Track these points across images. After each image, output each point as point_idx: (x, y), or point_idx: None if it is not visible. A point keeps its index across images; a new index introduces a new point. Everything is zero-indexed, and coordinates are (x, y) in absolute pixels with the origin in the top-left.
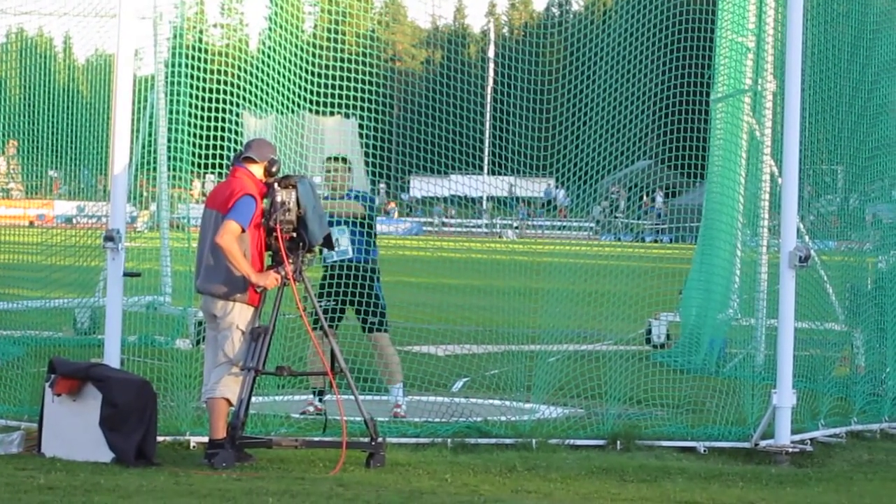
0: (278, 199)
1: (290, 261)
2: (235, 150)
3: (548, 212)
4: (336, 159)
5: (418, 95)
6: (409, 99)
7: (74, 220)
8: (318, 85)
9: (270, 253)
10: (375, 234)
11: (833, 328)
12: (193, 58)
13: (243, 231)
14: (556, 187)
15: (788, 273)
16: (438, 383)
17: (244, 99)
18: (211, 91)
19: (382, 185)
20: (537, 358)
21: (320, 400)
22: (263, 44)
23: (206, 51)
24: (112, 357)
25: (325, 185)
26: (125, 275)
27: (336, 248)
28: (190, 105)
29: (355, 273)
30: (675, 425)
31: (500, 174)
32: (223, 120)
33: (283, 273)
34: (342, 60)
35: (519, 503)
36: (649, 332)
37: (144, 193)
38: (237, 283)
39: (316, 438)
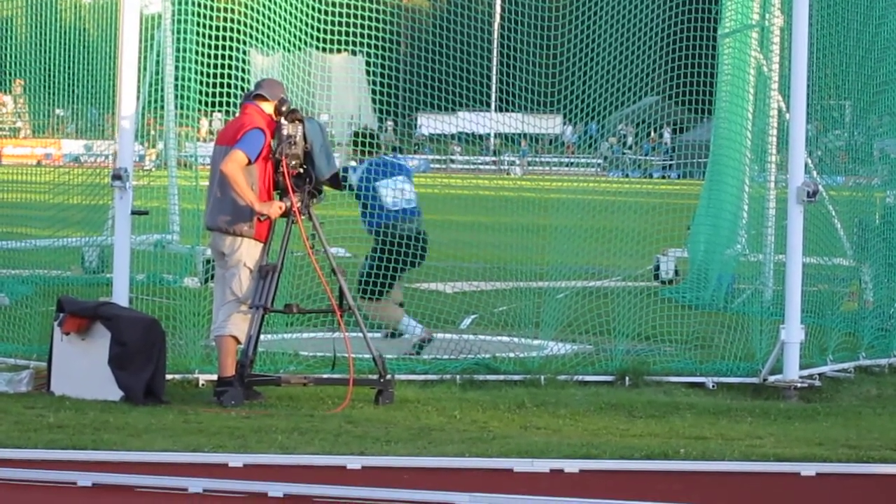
0: (285, 132)
1: (297, 195)
2: (243, 88)
3: (555, 148)
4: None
5: (425, 32)
6: (416, 36)
7: (82, 159)
8: (325, 22)
9: (278, 192)
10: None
11: (841, 263)
12: None
13: (250, 163)
14: (564, 123)
15: (796, 208)
16: (447, 320)
17: (251, 37)
18: (218, 29)
19: (390, 123)
20: (545, 294)
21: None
22: None
23: None
24: (121, 295)
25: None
26: (133, 213)
27: (402, 196)
28: (197, 43)
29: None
30: (684, 361)
31: (507, 110)
32: (230, 58)
33: (288, 204)
34: None
35: (528, 439)
36: (657, 267)
37: (152, 132)
38: (243, 214)
39: (325, 376)
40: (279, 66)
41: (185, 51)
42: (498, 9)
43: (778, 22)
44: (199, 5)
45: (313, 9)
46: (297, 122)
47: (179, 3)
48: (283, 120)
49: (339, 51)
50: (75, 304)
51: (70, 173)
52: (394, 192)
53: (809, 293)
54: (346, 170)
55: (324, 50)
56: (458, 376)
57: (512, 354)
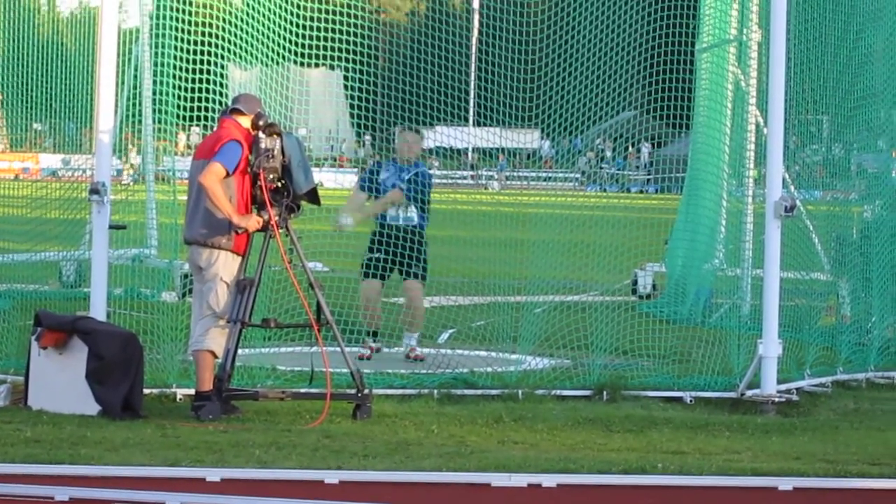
0: (262, 146)
1: (275, 209)
2: (221, 102)
3: (533, 163)
4: (413, 130)
5: (403, 47)
6: (394, 50)
7: (60, 173)
8: (303, 37)
9: (256, 205)
10: (429, 207)
11: (819, 278)
12: (178, 10)
13: (228, 175)
14: (542, 138)
15: (774, 223)
16: (425, 334)
17: (229, 51)
18: (196, 43)
19: (367, 137)
20: (523, 309)
21: (374, 339)
22: None
23: (190, 3)
24: (98, 310)
25: (398, 153)
26: (111, 227)
27: (403, 215)
28: (175, 58)
29: (408, 235)
30: (662, 375)
31: (485, 125)
32: (208, 72)
33: (265, 217)
34: (327, 12)
35: (505, 454)
36: (635, 282)
37: (130, 146)
38: (221, 227)
39: (302, 390)
40: (257, 81)
41: (162, 65)
42: (476, 24)
43: (755, 37)
44: (177, 20)
45: (291, 23)
46: (274, 135)
47: (157, 18)
48: (260, 134)
49: (316, 65)
50: (53, 319)
51: (48, 187)
52: (398, 208)
53: (787, 308)
54: (378, 166)
55: (301, 64)
56: (435, 391)
57: (490, 369)
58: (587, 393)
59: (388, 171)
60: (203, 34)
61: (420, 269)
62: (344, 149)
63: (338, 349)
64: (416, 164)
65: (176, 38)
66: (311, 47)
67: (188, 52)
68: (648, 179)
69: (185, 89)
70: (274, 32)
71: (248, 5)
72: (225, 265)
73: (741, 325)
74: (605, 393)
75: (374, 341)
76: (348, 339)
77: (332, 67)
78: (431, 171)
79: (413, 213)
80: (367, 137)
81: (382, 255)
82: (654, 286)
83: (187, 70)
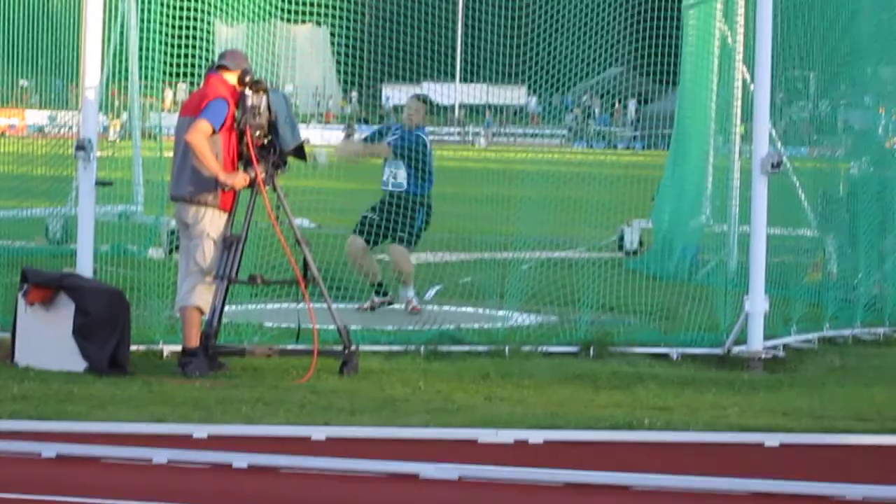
0: (249, 103)
1: (261, 166)
2: (207, 59)
3: (520, 119)
4: (419, 98)
5: (389, 2)
6: (380, 6)
7: (46, 130)
8: None
9: (242, 162)
10: (430, 171)
11: (805, 234)
12: None
13: (214, 133)
14: (528, 94)
15: (761, 179)
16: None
17: (215, 7)
18: None
19: (354, 94)
20: (510, 265)
21: (377, 294)
22: None
23: None
24: (85, 266)
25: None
26: (97, 184)
27: (393, 180)
28: (161, 14)
29: (397, 201)
30: (648, 332)
31: (472, 81)
32: (195, 28)
33: (252, 175)
34: None
35: (492, 410)
36: (622, 238)
37: (116, 103)
38: (207, 184)
39: (289, 347)
40: (243, 37)
41: (149, 21)
42: None
43: None
44: None
45: None
46: (261, 92)
47: None
48: (246, 90)
49: (303, 21)
50: (39, 275)
51: (34, 144)
52: (389, 174)
53: (773, 264)
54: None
55: (288, 20)
56: (422, 347)
57: (476, 325)
58: (574, 349)
59: (395, 133)
60: None
61: (406, 234)
62: (331, 105)
63: (324, 305)
64: (419, 129)
65: None
66: (297, 3)
67: (175, 8)
68: (635, 136)
69: (172, 45)
70: None
71: None
72: (212, 222)
73: (728, 281)
74: (591, 349)
75: (381, 295)
76: (334, 295)
77: (318, 24)
78: (430, 138)
79: (403, 178)
80: (354, 94)
81: (375, 218)
82: (640, 242)
83: (174, 26)
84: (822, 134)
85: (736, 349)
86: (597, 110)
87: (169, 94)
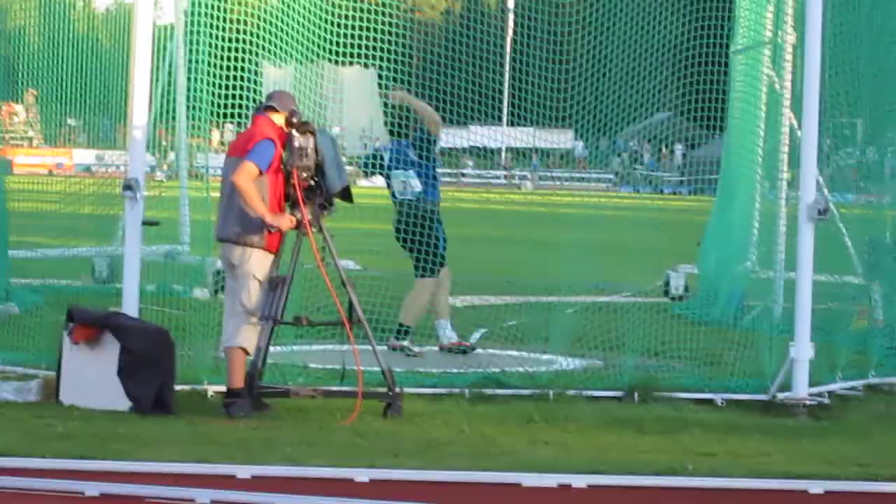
0: (296, 144)
1: (307, 207)
2: (255, 99)
3: (566, 163)
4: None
5: (438, 46)
6: (428, 49)
7: (93, 169)
8: (338, 35)
9: (289, 203)
10: (437, 178)
11: (851, 281)
12: (212, 6)
13: (261, 174)
14: (575, 138)
15: (807, 225)
16: (457, 334)
17: (263, 48)
18: (230, 40)
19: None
20: (555, 309)
21: (398, 337)
22: None
23: None
24: (130, 306)
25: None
26: (144, 223)
27: (411, 190)
28: (209, 54)
29: (421, 213)
30: (693, 377)
31: (519, 125)
32: (242, 69)
33: (298, 216)
34: (362, 10)
35: (536, 454)
36: (667, 283)
37: (163, 143)
38: (253, 225)
39: (334, 388)
40: (291, 79)
41: (197, 62)
42: (511, 23)
43: (790, 39)
44: (212, 17)
45: (326, 21)
46: (308, 133)
47: (192, 15)
48: (294, 132)
49: (351, 63)
50: (85, 314)
51: (81, 183)
52: (402, 185)
53: (819, 310)
54: (383, 148)
55: (336, 62)
56: (466, 390)
57: (521, 369)
58: (618, 394)
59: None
60: (237, 31)
61: (430, 263)
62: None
63: (369, 347)
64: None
65: (210, 35)
66: (345, 45)
67: (222, 48)
68: (682, 181)
69: (219, 86)
70: (308, 30)
71: (283, 2)
72: (257, 263)
73: (773, 327)
74: (636, 394)
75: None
76: (380, 337)
77: (366, 66)
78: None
79: (419, 185)
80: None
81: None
82: (686, 287)
83: (221, 67)
84: (869, 180)
85: (781, 395)
86: (644, 155)
87: (216, 134)
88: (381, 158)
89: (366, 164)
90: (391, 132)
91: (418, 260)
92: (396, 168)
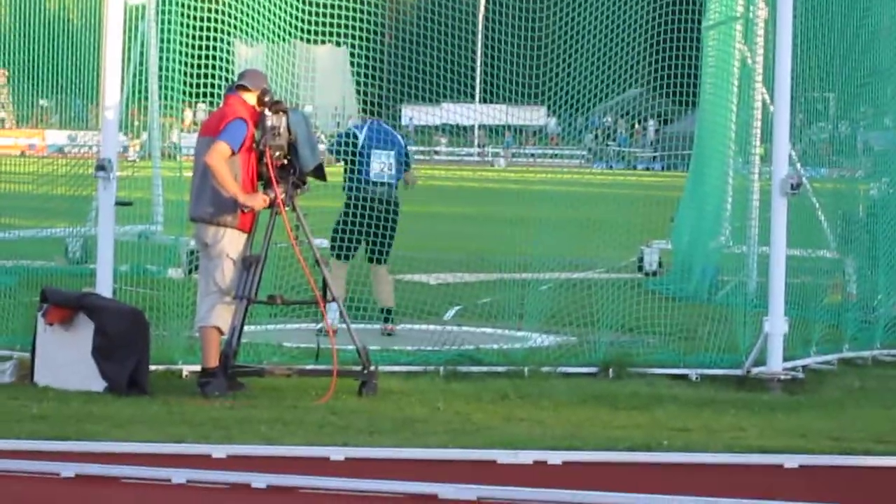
0: (268, 123)
1: (280, 186)
2: (227, 78)
3: (539, 140)
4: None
5: (410, 24)
6: (400, 27)
7: (66, 150)
8: (310, 13)
9: (262, 182)
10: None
11: (825, 256)
12: None
13: (234, 154)
14: (548, 115)
15: (780, 200)
16: (430, 311)
17: (235, 28)
18: (202, 20)
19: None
20: (529, 286)
21: (387, 321)
22: None
23: None
24: (104, 286)
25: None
26: (117, 203)
27: (388, 172)
28: (181, 34)
29: (395, 198)
30: (667, 353)
31: (491, 102)
32: (214, 49)
33: (271, 196)
34: None
35: (511, 430)
36: (641, 259)
37: (136, 122)
38: (226, 205)
39: (308, 367)
40: (263, 57)
41: (169, 41)
42: (482, 0)
43: (762, 14)
44: None
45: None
46: (280, 112)
47: None
48: (266, 111)
49: (323, 42)
50: (59, 295)
51: (54, 164)
52: (381, 165)
53: (793, 285)
54: (355, 127)
55: (308, 41)
56: (441, 367)
57: (496, 346)
58: (593, 370)
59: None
60: (209, 10)
61: (387, 250)
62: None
63: (344, 325)
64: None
65: (182, 14)
66: (317, 24)
67: (194, 28)
68: (655, 157)
69: (191, 65)
70: (280, 9)
71: None
72: (231, 242)
73: (747, 302)
74: (610, 370)
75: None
76: (355, 315)
77: (338, 44)
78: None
79: (394, 168)
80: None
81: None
82: (660, 263)
83: (193, 46)
84: (842, 155)
85: (755, 370)
86: (620, 131)
87: (188, 113)
88: (355, 137)
89: (338, 144)
90: (364, 110)
91: (382, 245)
92: (377, 148)
